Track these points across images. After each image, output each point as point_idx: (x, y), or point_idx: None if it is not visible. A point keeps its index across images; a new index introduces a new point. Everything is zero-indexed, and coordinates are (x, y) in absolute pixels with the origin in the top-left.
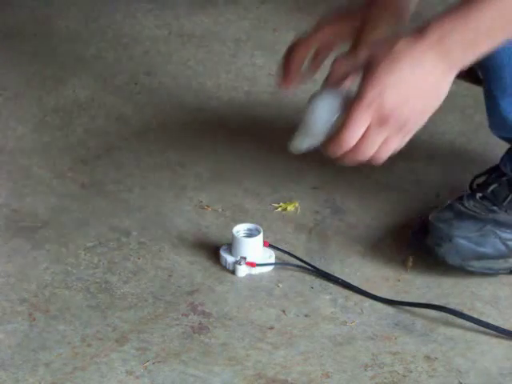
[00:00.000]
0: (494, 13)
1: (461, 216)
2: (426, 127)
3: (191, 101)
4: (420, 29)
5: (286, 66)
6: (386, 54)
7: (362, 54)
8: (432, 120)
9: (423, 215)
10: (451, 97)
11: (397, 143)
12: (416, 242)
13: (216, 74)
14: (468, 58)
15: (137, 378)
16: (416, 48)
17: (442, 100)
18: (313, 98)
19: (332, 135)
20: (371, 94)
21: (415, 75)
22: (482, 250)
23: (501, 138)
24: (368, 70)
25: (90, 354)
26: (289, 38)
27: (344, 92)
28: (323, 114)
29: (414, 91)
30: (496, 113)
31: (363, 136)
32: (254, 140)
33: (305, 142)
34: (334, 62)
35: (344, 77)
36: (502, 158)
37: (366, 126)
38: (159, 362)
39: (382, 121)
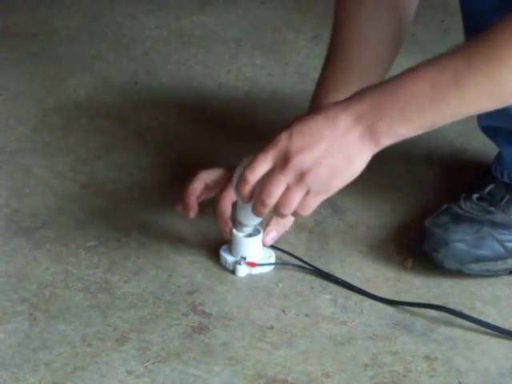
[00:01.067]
0: (408, 91)
1: (457, 219)
2: None
3: (191, 101)
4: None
5: (184, 199)
6: (311, 112)
7: None
8: None
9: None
10: None
11: (297, 195)
12: (415, 248)
13: (216, 74)
14: (382, 131)
15: (137, 377)
16: (333, 107)
17: (356, 167)
18: (238, 166)
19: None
20: (280, 137)
21: (328, 131)
22: (479, 252)
23: (486, 129)
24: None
25: (91, 353)
26: (289, 37)
27: None
28: None
29: (323, 144)
30: None
31: (267, 177)
32: (254, 140)
33: (238, 213)
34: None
35: None
36: (493, 163)
37: (269, 165)
38: (159, 361)
39: (284, 163)
